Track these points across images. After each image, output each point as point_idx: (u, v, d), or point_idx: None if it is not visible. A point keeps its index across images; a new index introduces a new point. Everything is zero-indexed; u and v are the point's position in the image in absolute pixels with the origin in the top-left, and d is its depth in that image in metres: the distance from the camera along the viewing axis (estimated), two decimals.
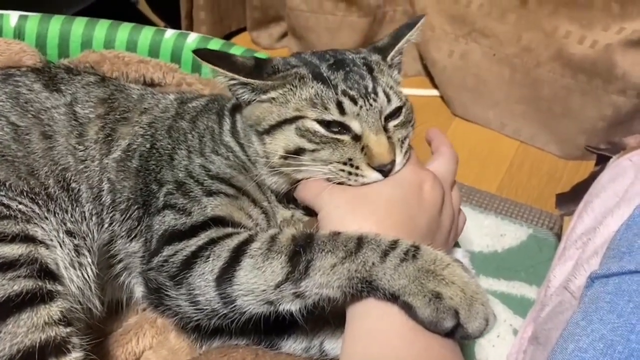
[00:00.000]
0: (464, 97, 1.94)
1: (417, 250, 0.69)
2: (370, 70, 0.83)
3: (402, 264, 0.67)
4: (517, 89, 1.82)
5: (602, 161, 1.29)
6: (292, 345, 0.84)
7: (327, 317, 0.73)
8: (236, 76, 0.81)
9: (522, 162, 1.82)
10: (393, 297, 0.67)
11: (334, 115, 0.78)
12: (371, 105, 0.79)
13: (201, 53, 0.82)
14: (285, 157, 0.80)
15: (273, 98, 0.82)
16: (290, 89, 0.81)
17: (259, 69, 0.83)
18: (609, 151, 1.29)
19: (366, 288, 0.68)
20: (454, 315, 0.66)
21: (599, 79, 1.63)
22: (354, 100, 0.78)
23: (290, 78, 0.82)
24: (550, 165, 1.81)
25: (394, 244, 0.69)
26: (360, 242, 0.70)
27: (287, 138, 0.80)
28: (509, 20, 1.74)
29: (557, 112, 1.76)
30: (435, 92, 2.03)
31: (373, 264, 0.67)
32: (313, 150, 0.79)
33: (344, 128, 0.79)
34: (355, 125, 0.78)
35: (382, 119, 0.80)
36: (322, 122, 0.79)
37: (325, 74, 0.81)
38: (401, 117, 0.82)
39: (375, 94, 0.80)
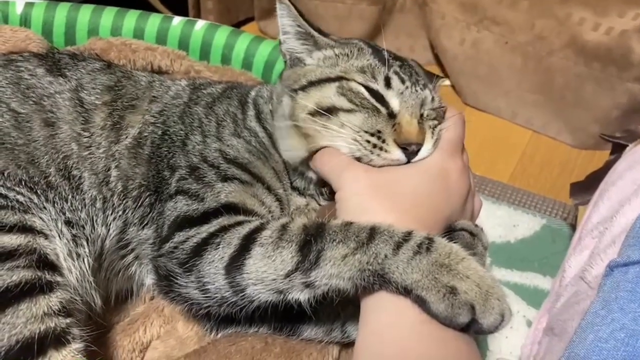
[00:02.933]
0: (475, 86, 1.91)
1: (431, 242, 0.67)
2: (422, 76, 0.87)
3: (415, 257, 0.65)
4: (530, 78, 1.79)
5: (618, 150, 1.27)
6: (314, 329, 0.82)
7: (350, 299, 0.71)
8: (304, 24, 0.86)
9: (535, 151, 1.80)
10: (406, 291, 0.65)
11: (379, 86, 0.81)
12: (416, 91, 0.82)
13: None
14: (313, 114, 0.80)
15: (325, 57, 0.87)
16: (346, 54, 0.86)
17: (320, 31, 0.89)
18: (624, 139, 1.26)
19: (378, 281, 0.66)
20: (470, 310, 0.64)
21: (614, 67, 1.60)
22: (402, 80, 0.82)
23: (350, 45, 0.87)
24: (563, 155, 1.79)
25: (407, 236, 0.67)
26: (372, 232, 0.68)
27: (323, 95, 0.81)
28: (521, 8, 1.71)
29: (570, 100, 1.73)
30: (446, 82, 2.00)
31: (385, 256, 0.65)
32: (348, 111, 0.79)
33: (384, 103, 0.80)
34: (394, 103, 0.80)
35: (421, 109, 0.81)
36: (366, 88, 0.81)
37: (384, 55, 0.84)
38: (436, 109, 0.84)
39: (424, 86, 0.84)
